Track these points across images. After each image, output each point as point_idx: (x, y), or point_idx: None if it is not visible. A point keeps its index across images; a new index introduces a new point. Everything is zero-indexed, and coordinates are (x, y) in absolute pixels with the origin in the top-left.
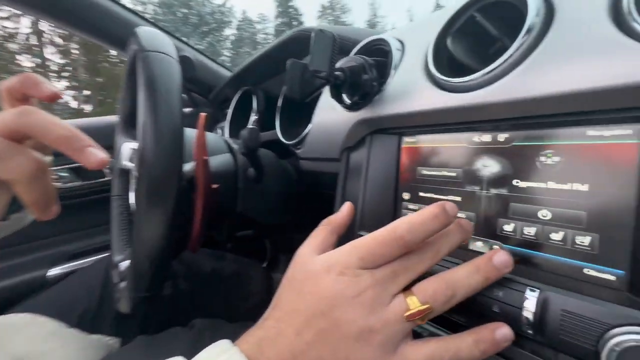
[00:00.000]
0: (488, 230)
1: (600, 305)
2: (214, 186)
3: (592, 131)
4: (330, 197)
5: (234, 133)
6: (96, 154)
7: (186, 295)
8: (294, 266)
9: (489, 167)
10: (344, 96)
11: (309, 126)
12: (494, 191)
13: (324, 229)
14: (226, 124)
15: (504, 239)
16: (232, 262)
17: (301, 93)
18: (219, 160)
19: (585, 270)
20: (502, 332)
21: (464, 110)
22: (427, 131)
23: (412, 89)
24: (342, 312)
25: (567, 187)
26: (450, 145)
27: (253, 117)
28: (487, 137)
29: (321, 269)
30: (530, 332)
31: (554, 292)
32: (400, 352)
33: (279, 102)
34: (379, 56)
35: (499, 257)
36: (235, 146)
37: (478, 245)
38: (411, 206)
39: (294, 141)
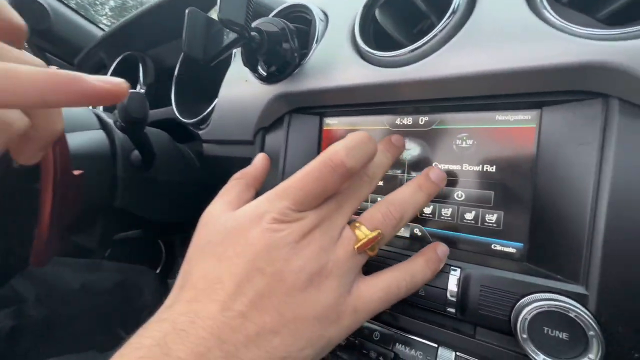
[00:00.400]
0: None
1: (510, 277)
2: (76, 173)
3: (500, 116)
4: None
5: (110, 108)
6: (111, 81)
7: (39, 325)
8: (204, 228)
9: (410, 150)
10: (260, 65)
11: (215, 101)
12: (414, 174)
13: (238, 183)
14: None
15: (423, 221)
16: (112, 272)
17: (205, 52)
18: (85, 139)
19: (493, 246)
20: (442, 249)
21: (392, 86)
22: (350, 112)
23: (337, 61)
24: (284, 263)
25: (478, 168)
26: (373, 128)
27: (139, 91)
28: (408, 120)
29: (248, 220)
30: (452, 310)
31: (473, 269)
32: (355, 292)
33: (177, 71)
34: (298, 24)
35: (435, 173)
36: (110, 120)
37: (400, 229)
38: None
39: (194, 119)
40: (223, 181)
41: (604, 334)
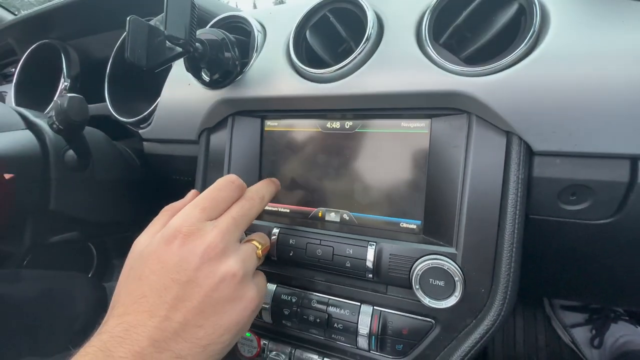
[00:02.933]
0: (339, 202)
1: (410, 247)
2: (7, 176)
3: (404, 123)
4: (185, 184)
5: (24, 103)
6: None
7: None
8: (130, 258)
9: (338, 149)
10: (203, 72)
11: (157, 101)
12: (342, 170)
13: (165, 215)
14: (11, 89)
15: (350, 207)
16: (34, 280)
17: (148, 59)
18: (10, 140)
19: (401, 224)
20: (273, 179)
21: (321, 98)
22: (288, 116)
23: (274, 73)
24: (195, 271)
25: (390, 163)
26: (307, 130)
27: (63, 84)
28: (337, 124)
29: (161, 242)
30: (370, 276)
31: (384, 243)
32: (255, 280)
33: (109, 68)
34: (237, 34)
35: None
36: (38, 120)
37: (332, 215)
38: None
39: (134, 119)
40: (165, 179)
41: (464, 278)
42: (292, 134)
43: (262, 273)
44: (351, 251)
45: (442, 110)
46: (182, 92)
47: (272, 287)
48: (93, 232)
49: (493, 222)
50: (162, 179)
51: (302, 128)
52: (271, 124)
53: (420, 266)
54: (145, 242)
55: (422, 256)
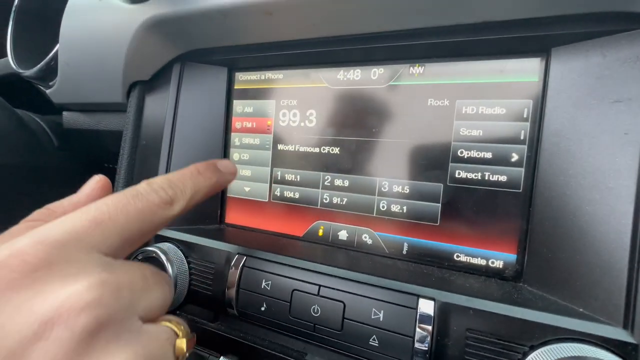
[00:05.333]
0: (356, 214)
1: (508, 314)
2: None
3: (486, 65)
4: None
5: None
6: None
7: None
8: None
9: (357, 119)
10: None
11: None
12: (363, 156)
13: (26, 228)
14: None
15: (375, 222)
16: None
17: None
18: None
19: (474, 259)
20: (223, 163)
21: (329, 11)
22: (273, 61)
23: None
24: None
25: (454, 144)
26: (306, 86)
27: None
28: (356, 73)
29: None
30: None
31: (451, 300)
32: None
33: (15, 3)
34: None
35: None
36: None
37: (342, 236)
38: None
39: (32, 70)
40: (93, 168)
41: None
42: (279, 93)
43: None
44: (382, 313)
45: (579, 25)
46: (91, 16)
47: None
48: None
49: None
50: (90, 167)
51: (297, 83)
52: (245, 78)
53: None
54: None
55: (545, 341)
